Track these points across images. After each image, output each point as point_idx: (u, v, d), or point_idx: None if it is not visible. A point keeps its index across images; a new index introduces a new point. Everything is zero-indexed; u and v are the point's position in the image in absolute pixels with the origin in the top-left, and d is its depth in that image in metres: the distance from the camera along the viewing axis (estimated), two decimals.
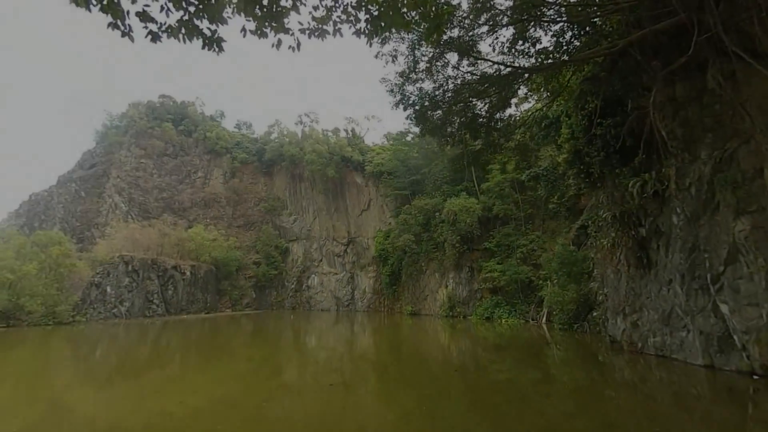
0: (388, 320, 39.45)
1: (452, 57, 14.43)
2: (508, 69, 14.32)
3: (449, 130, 16.22)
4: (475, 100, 15.50)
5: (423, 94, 14.65)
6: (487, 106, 15.97)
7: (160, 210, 57.89)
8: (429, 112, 15.12)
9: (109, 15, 4.21)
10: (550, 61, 14.56)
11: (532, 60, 14.72)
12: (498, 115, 16.71)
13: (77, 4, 4.02)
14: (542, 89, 18.25)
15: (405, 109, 14.88)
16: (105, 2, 4.12)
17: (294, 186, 64.34)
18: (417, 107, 14.76)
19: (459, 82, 14.75)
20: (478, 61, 14.53)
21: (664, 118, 12.83)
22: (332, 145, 58.64)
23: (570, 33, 14.44)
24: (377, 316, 44.50)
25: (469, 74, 14.78)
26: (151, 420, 9.72)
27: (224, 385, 13.47)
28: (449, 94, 14.81)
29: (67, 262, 36.30)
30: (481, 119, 16.17)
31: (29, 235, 41.15)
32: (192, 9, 4.45)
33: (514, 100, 17.70)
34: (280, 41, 5.03)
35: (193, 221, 57.71)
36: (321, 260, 60.31)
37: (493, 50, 14.49)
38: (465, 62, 14.54)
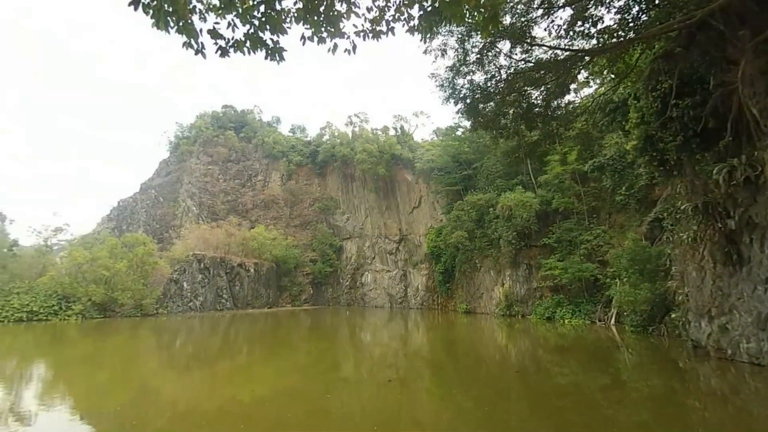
0: (441, 318, 39.06)
1: (504, 45, 13.85)
2: (567, 53, 13.41)
3: (503, 122, 15.57)
4: (529, 88, 14.73)
5: (474, 86, 14.21)
6: (543, 94, 15.10)
7: (225, 212, 62.54)
8: (481, 105, 14.64)
9: (184, 35, 4.66)
10: (614, 40, 13.39)
11: (593, 41, 13.64)
12: (556, 103, 15.72)
13: (158, 27, 4.49)
14: (605, 72, 16.84)
15: (456, 103, 14.53)
16: (181, 24, 4.55)
17: (346, 185, 65.97)
18: (468, 101, 14.35)
19: (512, 71, 14.11)
20: (533, 48, 13.78)
21: (755, 95, 11.22)
22: (382, 144, 59.20)
23: (637, 8, 13.15)
24: (430, 314, 44.23)
25: (522, 62, 14.08)
26: (223, 405, 10.57)
27: (286, 376, 14.24)
28: (501, 85, 14.23)
29: (151, 261, 40.62)
30: (537, 108, 15.33)
31: (119, 237, 46.60)
32: (256, 22, 4.76)
33: (573, 86, 16.52)
34: (336, 45, 5.22)
35: (255, 222, 61.55)
36: (374, 258, 61.27)
37: (549, 34, 13.65)
38: (518, 50, 13.87)
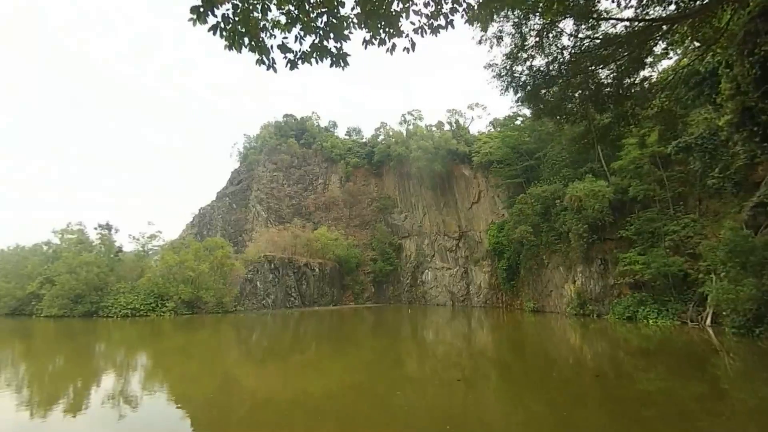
0: (507, 317, 37.54)
1: (566, 24, 12.85)
2: (641, 24, 12.07)
3: (568, 106, 14.44)
4: (598, 67, 13.49)
5: (534, 72, 13.38)
6: (613, 72, 13.74)
7: (291, 215, 66.22)
8: (543, 91, 13.72)
9: (256, 53, 5.03)
10: (698, 3, 11.76)
11: (672, 7, 12.11)
12: (629, 81, 14.21)
13: (232, 48, 4.89)
14: (688, 40, 14.84)
15: (516, 91, 13.78)
16: (254, 43, 4.92)
17: (402, 184, 66.23)
18: (529, 87, 13.56)
19: (576, 51, 13.05)
20: (600, 23, 12.61)
21: None
22: (437, 140, 58.44)
23: None
24: (495, 313, 42.72)
25: (588, 40, 12.96)
26: (296, 397, 11.21)
27: (353, 372, 14.69)
28: (565, 67, 13.21)
29: (228, 262, 44.43)
30: (607, 89, 13.99)
31: (201, 241, 51.55)
32: (320, 32, 5.01)
33: (648, 60, 14.83)
34: (394, 45, 5.29)
35: (318, 223, 64.36)
36: (433, 255, 60.74)
37: (618, 6, 12.39)
38: (583, 27, 12.79)
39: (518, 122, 49.55)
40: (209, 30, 4.74)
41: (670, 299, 26.63)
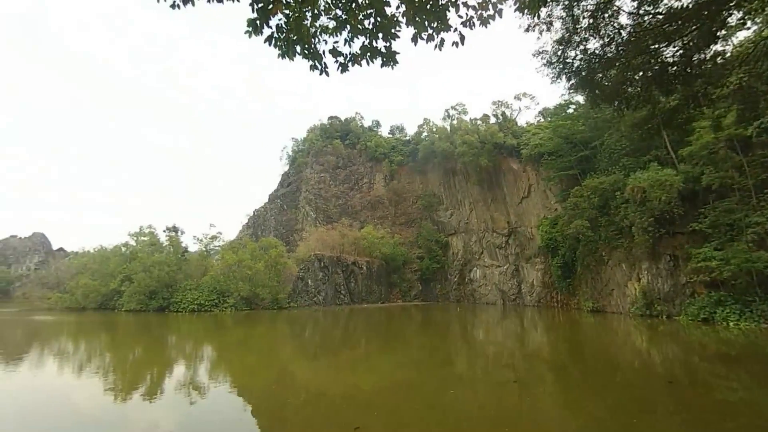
0: (563, 317, 35.64)
1: (624, 2, 11.88)
2: None
3: (628, 90, 13.33)
4: (662, 45, 12.32)
5: (589, 55, 12.51)
6: (680, 49, 12.47)
7: (338, 214, 67.92)
8: (599, 75, 12.80)
9: (309, 59, 5.24)
10: None
11: None
12: (699, 58, 12.82)
13: (285, 57, 5.11)
14: None
15: (569, 78, 12.98)
16: (306, 50, 5.13)
17: (448, 180, 65.22)
18: (583, 73, 12.71)
19: (636, 29, 12.02)
20: None
21: None
22: (482, 134, 56.76)
23: None
24: (549, 312, 40.73)
25: (649, 16, 11.87)
26: (347, 391, 11.51)
27: (402, 369, 14.76)
28: (623, 48, 12.21)
29: (282, 261, 46.59)
30: (673, 68, 12.71)
31: (256, 241, 54.50)
32: (369, 33, 5.11)
33: (721, 33, 13.26)
34: (442, 41, 5.25)
35: (364, 222, 65.37)
36: (482, 253, 59.18)
37: None
38: (643, 3, 11.73)
39: (571, 110, 46.69)
40: (265, 41, 4.98)
41: (755, 299, 23.74)
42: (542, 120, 57.54)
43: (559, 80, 13.31)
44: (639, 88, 13.30)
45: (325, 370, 15.13)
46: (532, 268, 50.35)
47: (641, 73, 12.89)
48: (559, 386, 12.39)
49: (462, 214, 62.79)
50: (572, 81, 13.36)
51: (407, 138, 77.64)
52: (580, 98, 40.04)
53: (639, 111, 15.23)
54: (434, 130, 69.06)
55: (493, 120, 62.26)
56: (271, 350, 20.25)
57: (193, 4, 4.84)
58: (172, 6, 4.72)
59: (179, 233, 47.53)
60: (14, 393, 11.24)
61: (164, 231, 47.12)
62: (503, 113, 62.44)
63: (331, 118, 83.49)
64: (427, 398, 10.70)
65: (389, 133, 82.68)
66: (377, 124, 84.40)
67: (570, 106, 46.50)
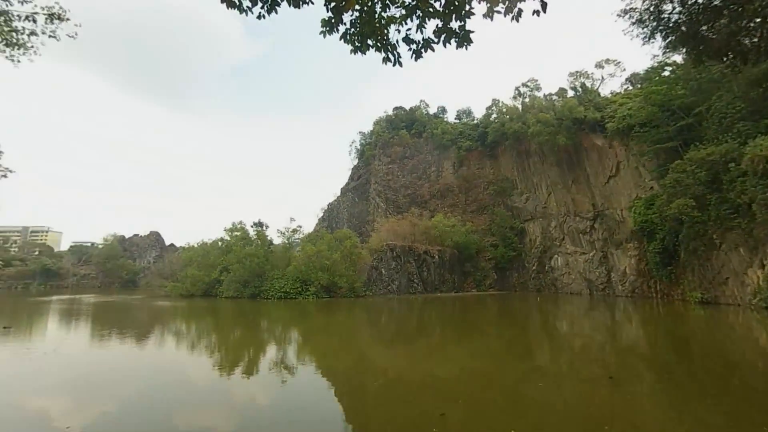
0: (663, 309, 31.76)
1: None
2: None
3: (744, 42, 11.19)
4: None
5: (690, 6, 10.73)
6: None
7: (407, 204, 68.33)
8: (704, 28, 10.93)
9: (382, 51, 5.36)
10: None
11: None
12: None
13: (358, 52, 5.25)
14: None
15: (665, 36, 11.29)
16: (379, 42, 5.24)
17: (521, 163, 61.46)
18: (684, 28, 10.95)
19: None
20: None
21: None
22: (559, 110, 52.16)
23: None
24: (646, 304, 36.57)
25: None
26: (423, 379, 11.67)
27: (478, 359, 14.51)
28: None
29: (356, 251, 48.52)
30: None
31: (332, 233, 57.37)
32: (442, 15, 5.03)
33: None
34: (520, 11, 4.96)
35: (434, 211, 64.84)
36: (563, 239, 54.98)
37: None
38: None
39: (666, 73, 40.59)
40: (340, 38, 5.16)
41: None
42: (630, 88, 51.11)
43: (652, 40, 11.66)
44: (758, 38, 11.06)
45: (401, 356, 15.51)
46: (624, 255, 45.48)
47: (759, 20, 10.70)
48: (662, 386, 11.13)
49: (539, 198, 58.89)
50: (669, 39, 11.59)
51: (475, 122, 74.71)
52: (678, 58, 34.70)
53: (759, 65, 12.70)
54: (504, 110, 65.37)
55: (570, 93, 56.90)
56: (351, 336, 21.33)
57: (276, 12, 5.10)
58: (258, 17, 5.10)
59: (265, 228, 52.02)
60: (142, 365, 13.47)
61: (252, 226, 51.93)
62: (582, 85, 56.69)
63: (396, 108, 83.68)
64: (507, 390, 10.41)
65: (456, 119, 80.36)
66: (443, 110, 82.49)
67: (665, 68, 40.45)
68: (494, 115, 68.08)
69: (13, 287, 73.57)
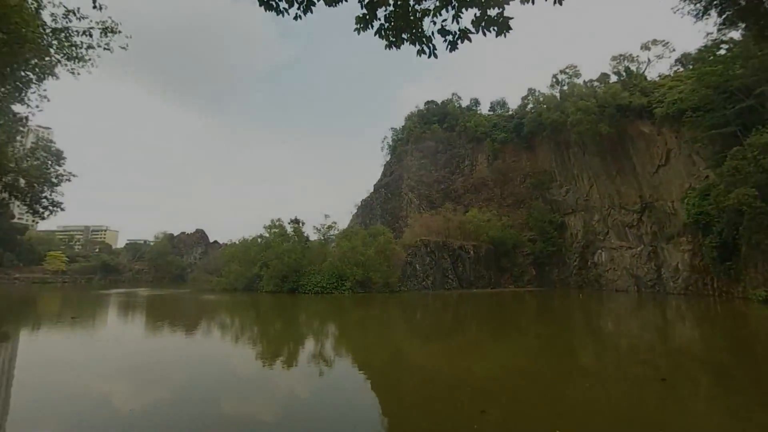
0: (722, 308, 29.44)
1: None
2: None
3: None
4: None
5: None
6: None
7: (441, 199, 67.57)
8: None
9: (416, 44, 5.31)
10: None
11: None
12: None
13: (390, 46, 5.25)
14: None
15: (721, 11, 10.40)
16: (415, 36, 5.23)
17: (560, 154, 58.86)
18: (743, 1, 10.02)
19: None
20: None
21: None
22: (601, 96, 49.32)
23: None
24: (702, 302, 34.06)
25: None
26: (460, 375, 11.57)
27: (518, 357, 14.17)
28: None
29: (390, 247, 48.75)
30: None
31: (366, 229, 57.95)
32: (479, 5, 4.91)
33: None
34: None
35: (468, 205, 63.71)
36: (607, 233, 52.23)
37: None
38: None
39: (722, 52, 37.23)
40: (375, 34, 5.19)
41: None
42: (681, 69, 47.43)
43: (706, 16, 10.81)
44: None
45: (438, 352, 15.46)
46: (676, 250, 42.57)
47: None
48: (720, 390, 10.35)
49: (580, 191, 56.28)
50: (726, 13, 10.66)
51: (510, 113, 72.39)
52: (735, 34, 31.76)
53: None
54: (541, 100, 62.86)
55: (613, 78, 53.75)
56: (387, 330, 21.52)
57: (312, 12, 5.16)
58: (295, 18, 5.22)
59: (301, 225, 53.47)
60: (192, 354, 14.33)
61: (289, 223, 53.52)
62: (627, 69, 53.27)
63: (427, 103, 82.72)
64: (549, 389, 10.11)
65: (489, 110, 78.24)
66: (476, 102, 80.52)
67: (721, 46, 37.12)
68: (530, 105, 65.63)
69: (77, 281, 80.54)
